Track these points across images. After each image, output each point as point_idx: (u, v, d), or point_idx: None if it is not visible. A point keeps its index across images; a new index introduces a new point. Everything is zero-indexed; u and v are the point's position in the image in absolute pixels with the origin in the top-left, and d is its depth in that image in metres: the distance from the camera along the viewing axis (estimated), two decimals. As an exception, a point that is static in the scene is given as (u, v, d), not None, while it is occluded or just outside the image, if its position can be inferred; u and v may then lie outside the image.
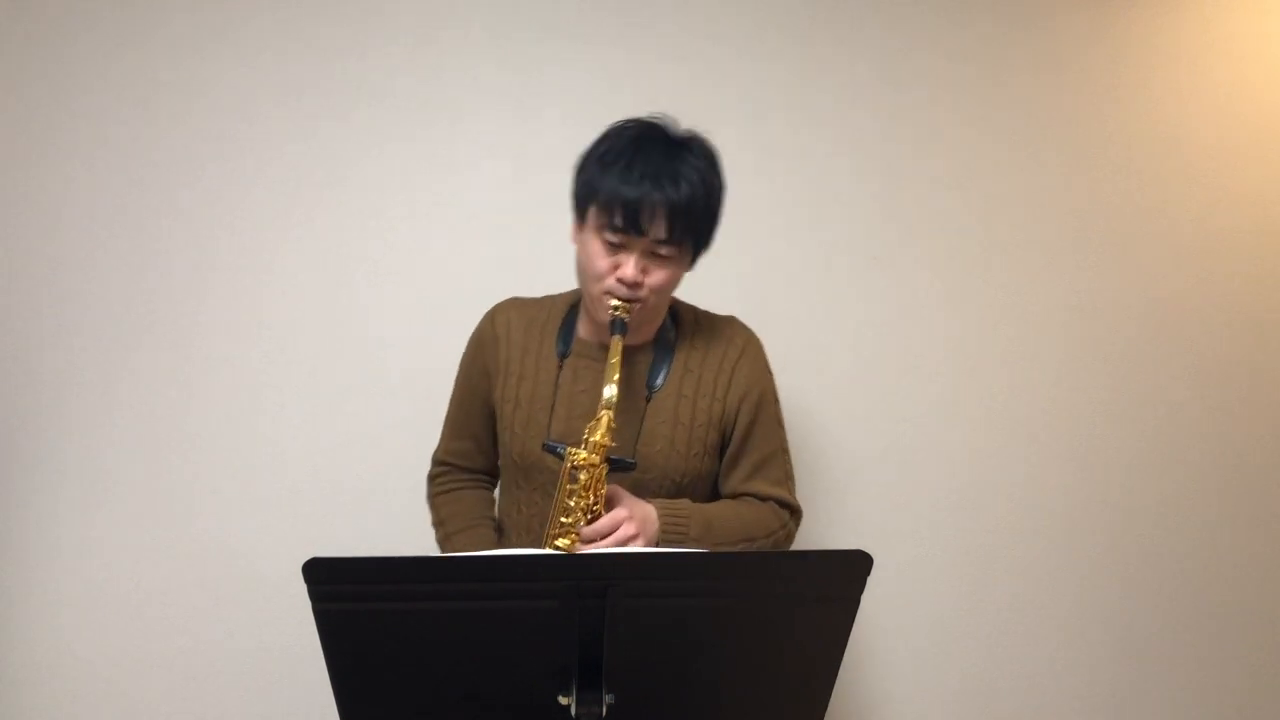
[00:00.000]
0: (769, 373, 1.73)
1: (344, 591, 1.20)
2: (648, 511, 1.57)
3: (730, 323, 1.75)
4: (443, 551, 1.76)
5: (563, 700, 1.24)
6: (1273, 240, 2.43)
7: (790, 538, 1.72)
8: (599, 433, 1.51)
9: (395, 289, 2.20)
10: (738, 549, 1.62)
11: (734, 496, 1.70)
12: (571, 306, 1.73)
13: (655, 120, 1.60)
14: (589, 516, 1.55)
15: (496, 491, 1.84)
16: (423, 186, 2.20)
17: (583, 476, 1.53)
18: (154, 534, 2.15)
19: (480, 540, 1.72)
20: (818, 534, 2.29)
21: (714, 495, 1.72)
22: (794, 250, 2.30)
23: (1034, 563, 2.38)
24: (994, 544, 2.37)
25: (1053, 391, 2.37)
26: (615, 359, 1.52)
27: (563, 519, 1.56)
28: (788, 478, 1.73)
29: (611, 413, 1.51)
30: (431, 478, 1.83)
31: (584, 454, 1.52)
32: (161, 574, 2.15)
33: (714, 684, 1.32)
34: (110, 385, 2.14)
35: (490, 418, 1.75)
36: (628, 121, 1.61)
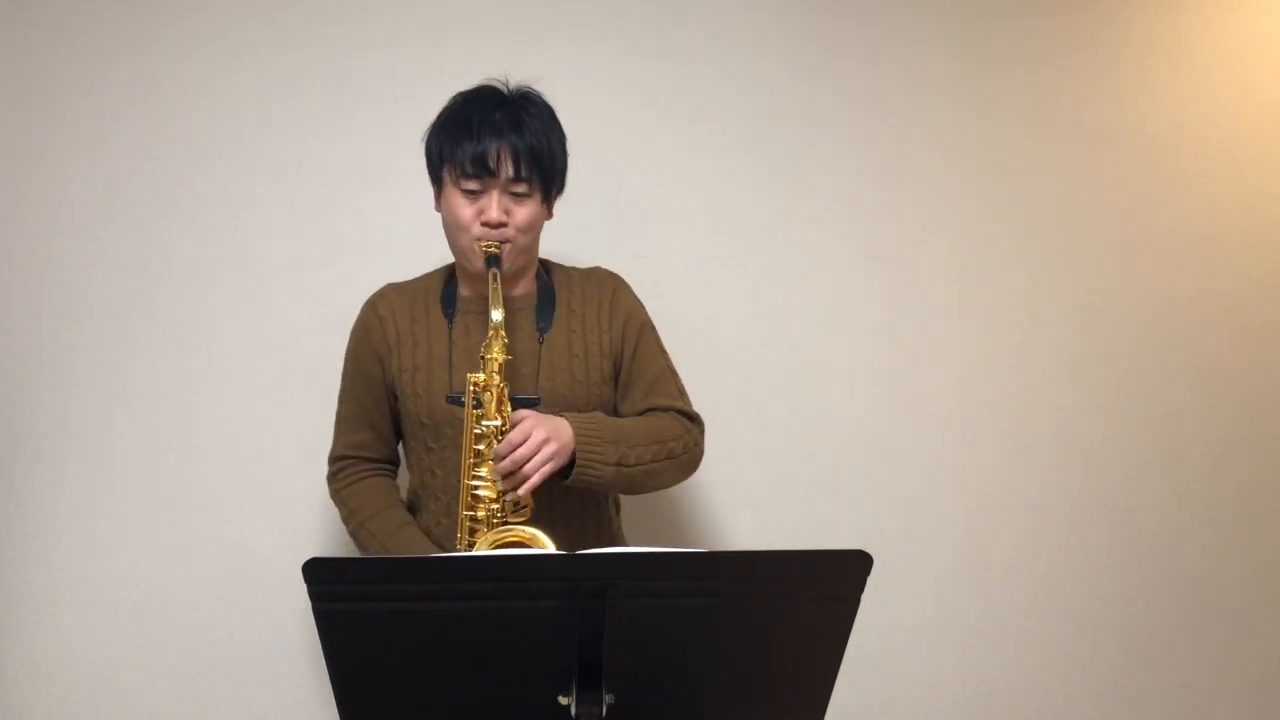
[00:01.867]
0: (641, 306, 1.84)
1: (344, 591, 1.20)
2: (558, 422, 1.62)
3: (598, 269, 1.86)
4: (357, 540, 1.79)
5: (563, 700, 1.24)
6: (1275, 241, 2.43)
7: (699, 445, 1.79)
8: (493, 350, 1.60)
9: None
10: (652, 450, 1.69)
11: (634, 413, 1.78)
12: (447, 278, 1.81)
13: (487, 83, 1.74)
14: (499, 439, 1.59)
15: (403, 473, 1.86)
16: (424, 188, 2.20)
17: (486, 397, 1.60)
18: (154, 534, 2.15)
19: (394, 521, 1.76)
20: (818, 534, 2.29)
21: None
22: (794, 250, 2.30)
23: (1035, 563, 2.38)
24: (994, 544, 2.37)
25: (1053, 392, 2.37)
26: (495, 285, 1.61)
27: (476, 447, 1.62)
28: (681, 392, 1.81)
29: (502, 333, 1.60)
30: (331, 475, 1.85)
31: (482, 376, 1.61)
32: (162, 574, 2.15)
33: (714, 684, 1.32)
34: (111, 385, 2.14)
35: (386, 402, 1.79)
36: (460, 92, 1.74)
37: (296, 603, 1.22)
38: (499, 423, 1.60)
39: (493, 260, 1.65)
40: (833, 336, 2.31)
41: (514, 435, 1.57)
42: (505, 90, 1.73)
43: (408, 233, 2.20)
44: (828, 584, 1.28)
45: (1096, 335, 2.38)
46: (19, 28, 2.11)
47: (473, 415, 1.62)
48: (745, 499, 2.27)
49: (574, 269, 1.85)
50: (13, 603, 2.13)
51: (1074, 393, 2.38)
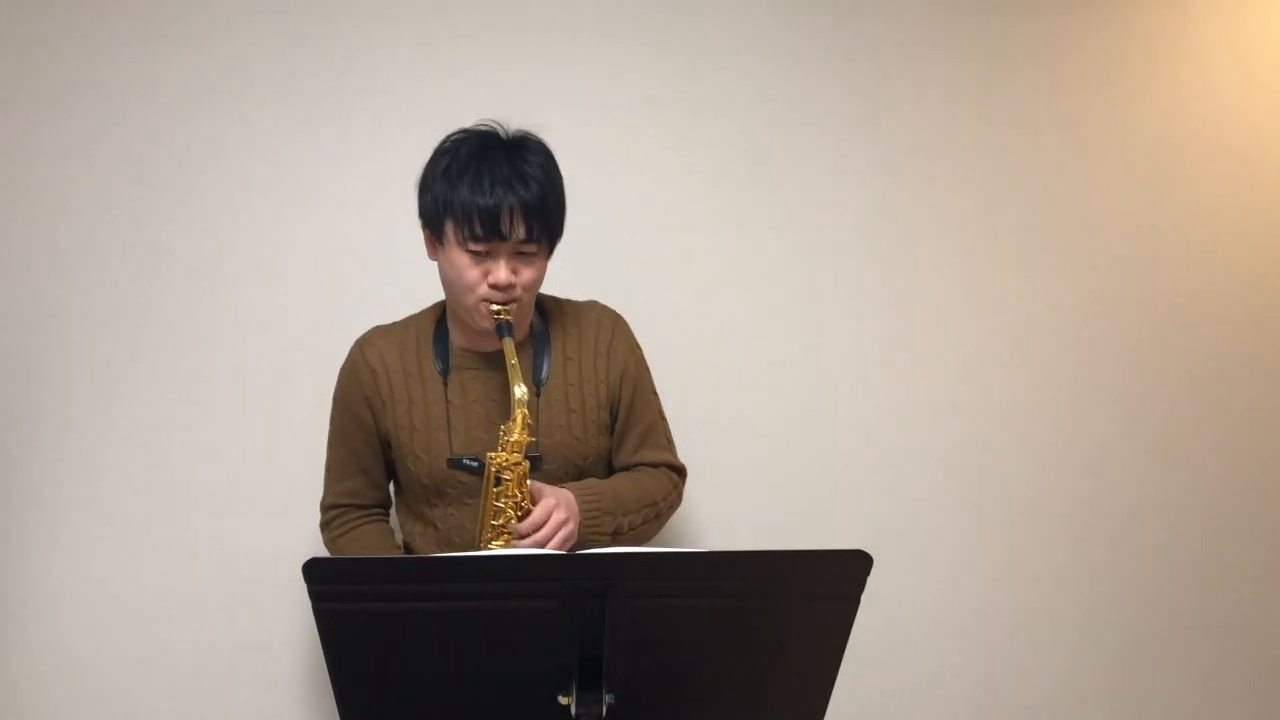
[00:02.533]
0: (638, 346, 1.81)
1: (344, 591, 1.20)
2: (569, 497, 1.62)
3: (593, 306, 1.81)
4: None
5: (563, 700, 1.24)
6: (1275, 239, 2.43)
7: (680, 496, 1.82)
8: (515, 432, 1.57)
9: (397, 290, 2.19)
10: (643, 514, 1.72)
11: (627, 467, 1.78)
12: (437, 322, 1.76)
13: (486, 127, 1.66)
14: (520, 514, 1.58)
15: (399, 536, 1.84)
16: (416, 185, 2.20)
17: (506, 477, 1.58)
18: (154, 534, 2.15)
19: None
20: (818, 534, 2.29)
21: (608, 469, 1.79)
22: (793, 250, 2.30)
23: (1035, 563, 2.38)
24: (994, 544, 2.37)
25: (1054, 391, 2.38)
26: (513, 360, 1.57)
27: (493, 522, 1.60)
28: (669, 441, 1.82)
29: (525, 410, 1.56)
30: (325, 524, 1.80)
31: (504, 455, 1.57)
32: (162, 574, 2.15)
33: (714, 684, 1.32)
34: (111, 385, 2.14)
35: (378, 448, 1.75)
36: (460, 133, 1.66)
37: (296, 603, 1.22)
38: (519, 498, 1.58)
39: (505, 329, 1.59)
40: (833, 336, 2.31)
41: (537, 516, 1.55)
42: (504, 135, 1.65)
43: (408, 234, 2.19)
44: (828, 584, 1.28)
45: (1097, 334, 2.38)
46: (20, 28, 2.11)
47: (491, 493, 1.59)
48: (745, 499, 2.27)
49: (569, 305, 1.80)
50: (13, 603, 2.13)
51: (1075, 392, 2.38)
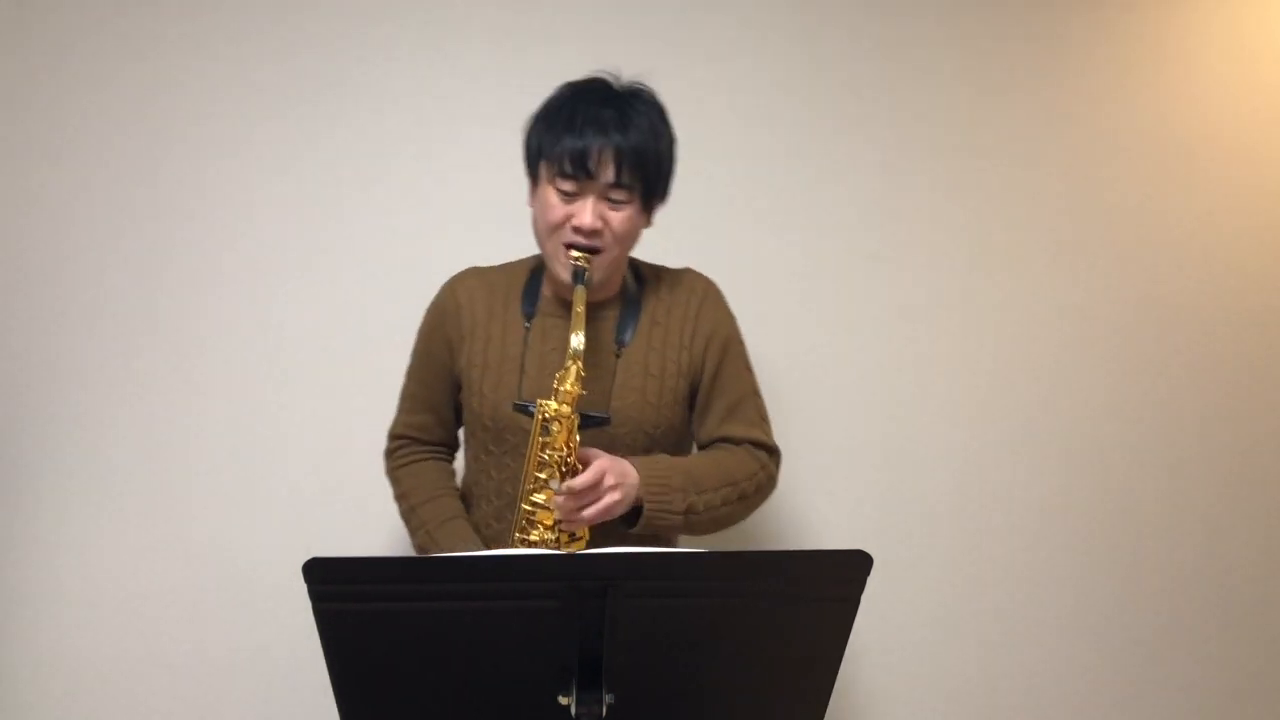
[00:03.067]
0: (732, 317, 1.74)
1: (344, 591, 1.20)
2: (626, 468, 1.56)
3: (689, 272, 1.76)
4: (407, 522, 1.76)
5: (563, 700, 1.24)
6: (1276, 239, 2.43)
7: (772, 479, 1.73)
8: (568, 382, 1.51)
9: (396, 291, 2.20)
10: (722, 494, 1.63)
11: (709, 443, 1.71)
12: (533, 271, 1.73)
13: (597, 75, 1.63)
14: (563, 470, 1.54)
15: (459, 463, 1.83)
16: (424, 191, 2.21)
17: (554, 428, 1.52)
18: (155, 534, 2.15)
19: (445, 510, 1.72)
20: (818, 534, 2.29)
21: (684, 445, 1.73)
22: (793, 249, 2.30)
23: (1034, 562, 2.38)
24: (993, 544, 2.37)
25: (1053, 391, 2.38)
26: (580, 308, 1.52)
27: (537, 473, 1.56)
28: (762, 419, 1.73)
29: (580, 362, 1.50)
30: (389, 452, 1.81)
31: (554, 405, 1.51)
32: (162, 574, 2.15)
33: (714, 684, 1.32)
34: (111, 386, 2.14)
35: (451, 389, 1.74)
36: (569, 82, 1.64)
37: (296, 603, 1.22)
38: (565, 452, 1.53)
39: (579, 275, 1.55)
40: (834, 335, 2.31)
41: (587, 478, 1.50)
42: (615, 84, 1.62)
43: (408, 236, 2.20)
44: (828, 584, 1.28)
45: (1099, 334, 2.38)
46: (23, 30, 2.11)
47: (538, 442, 1.54)
48: (745, 499, 2.27)
49: (664, 271, 1.75)
50: (13, 603, 2.13)
51: (1076, 392, 2.38)
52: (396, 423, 1.81)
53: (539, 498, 1.56)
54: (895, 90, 2.31)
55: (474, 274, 1.76)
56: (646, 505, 1.56)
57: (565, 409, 1.51)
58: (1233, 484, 2.43)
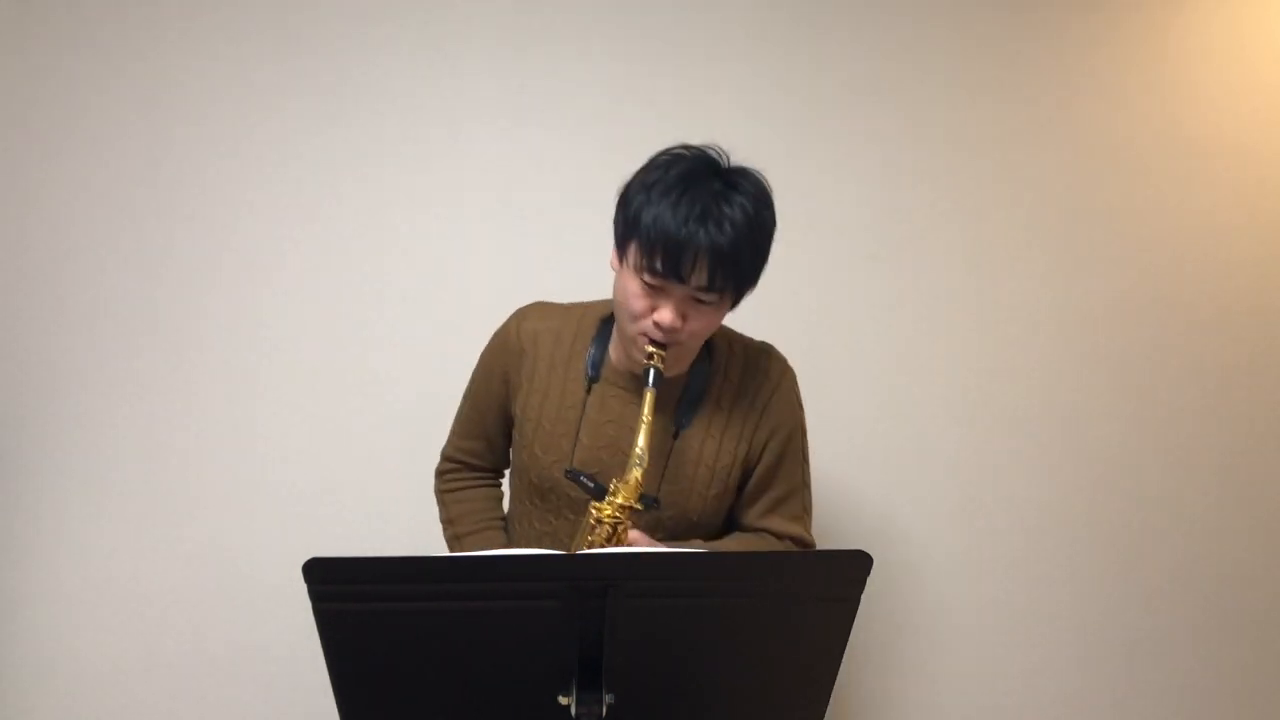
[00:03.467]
0: (800, 408, 1.68)
1: (344, 591, 1.20)
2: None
3: (766, 354, 1.68)
4: (450, 548, 1.75)
5: (563, 700, 1.24)
6: (1275, 239, 2.43)
7: None
8: (624, 493, 1.48)
9: (395, 292, 2.20)
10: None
11: (749, 529, 1.67)
12: (603, 321, 1.65)
13: (707, 151, 1.51)
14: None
15: (505, 486, 1.83)
16: (423, 191, 2.21)
17: (603, 531, 1.51)
18: (155, 534, 2.15)
19: (490, 544, 1.71)
20: (818, 534, 2.29)
21: (726, 524, 1.69)
22: (793, 249, 2.29)
23: (1034, 562, 2.38)
24: (993, 544, 2.37)
25: (1056, 391, 2.37)
26: (648, 418, 1.46)
27: (590, 538, 1.54)
28: (805, 512, 1.68)
29: (641, 471, 1.47)
30: (440, 473, 1.80)
31: (609, 510, 1.50)
32: (162, 574, 2.15)
33: (714, 684, 1.32)
34: (111, 386, 2.14)
35: (505, 422, 1.71)
36: (677, 151, 1.51)
37: (296, 603, 1.22)
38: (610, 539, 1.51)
39: (654, 378, 1.48)
40: (835, 335, 2.31)
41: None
42: (722, 163, 1.50)
43: (408, 236, 2.20)
44: (828, 584, 1.28)
45: (1099, 334, 2.38)
46: (25, 30, 2.11)
47: (587, 539, 1.53)
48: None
49: (739, 342, 1.66)
50: (13, 603, 2.13)
51: (1077, 392, 2.38)
52: (449, 443, 1.79)
53: None
54: (895, 90, 2.31)
55: (539, 312, 1.68)
56: None
57: (621, 515, 1.50)
58: (1233, 483, 2.43)
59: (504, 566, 1.26)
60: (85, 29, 2.12)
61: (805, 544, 1.67)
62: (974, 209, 2.34)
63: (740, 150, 2.28)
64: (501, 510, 1.80)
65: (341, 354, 2.19)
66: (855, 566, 1.25)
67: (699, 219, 1.42)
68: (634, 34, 2.24)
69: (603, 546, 1.52)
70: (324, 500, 2.18)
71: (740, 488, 1.65)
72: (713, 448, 1.60)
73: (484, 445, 1.76)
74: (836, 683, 1.32)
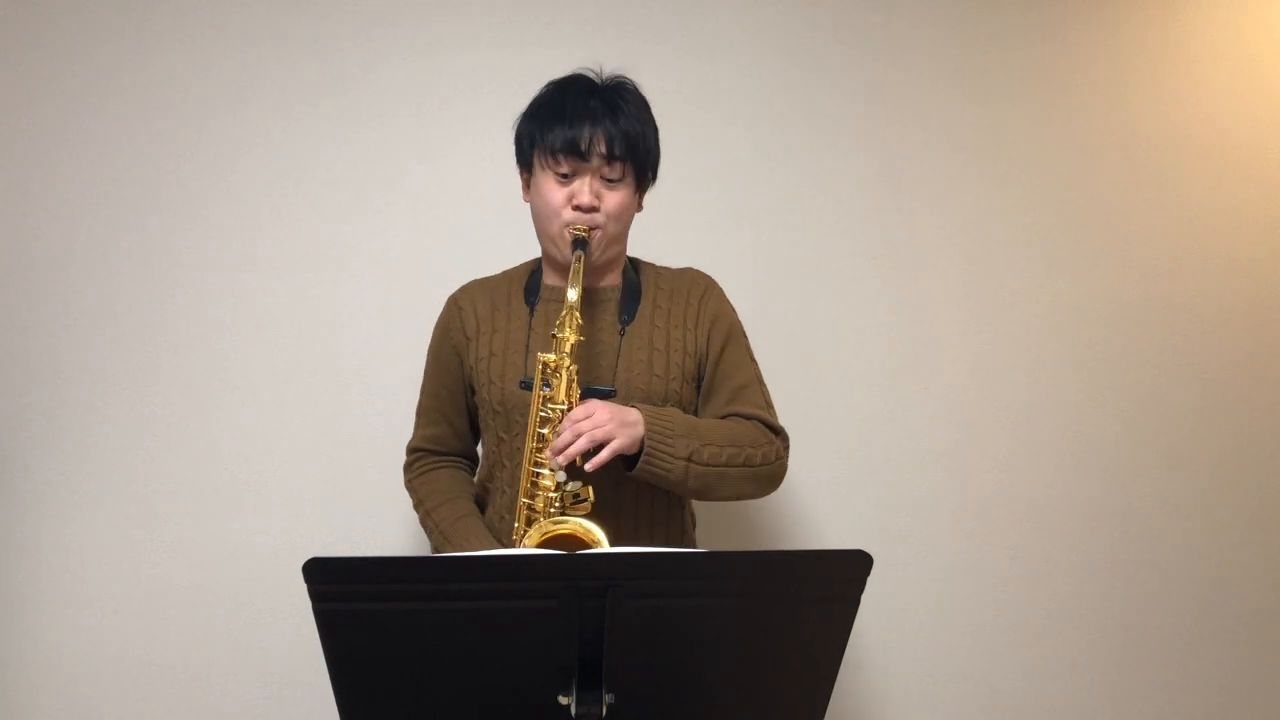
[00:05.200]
0: (733, 309, 1.78)
1: (344, 591, 1.20)
2: (627, 411, 1.57)
3: (690, 269, 1.80)
4: (424, 527, 1.77)
5: (563, 700, 1.24)
6: (1275, 239, 2.43)
7: (781, 459, 1.71)
8: (566, 329, 1.56)
9: (396, 292, 2.20)
10: (728, 452, 1.62)
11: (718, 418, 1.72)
12: (533, 271, 1.78)
13: (579, 71, 1.70)
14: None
15: (477, 475, 1.83)
16: (423, 192, 2.21)
17: (555, 380, 1.56)
18: (155, 534, 2.15)
19: (457, 510, 1.73)
20: (818, 534, 2.29)
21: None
22: (794, 249, 2.30)
23: (1034, 562, 2.38)
24: (994, 544, 2.37)
25: (1056, 392, 2.38)
26: (577, 266, 1.58)
27: (540, 430, 1.58)
28: (768, 404, 1.74)
29: (577, 313, 1.56)
30: (407, 466, 1.84)
31: (552, 356, 1.57)
32: (162, 574, 2.15)
33: (714, 684, 1.32)
34: (111, 386, 2.14)
35: (465, 397, 1.77)
36: (552, 80, 1.71)
37: (296, 603, 1.22)
38: (566, 406, 1.55)
39: (580, 244, 1.61)
40: (835, 335, 2.31)
41: (575, 412, 1.54)
42: (598, 79, 1.70)
43: (410, 238, 2.20)
44: (828, 584, 1.28)
45: (1098, 334, 2.38)
46: (32, 35, 2.11)
47: (540, 397, 1.58)
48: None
49: (664, 268, 1.81)
50: (13, 603, 2.13)
51: (1077, 393, 2.38)
52: (413, 437, 1.84)
53: (542, 456, 1.57)
54: (895, 91, 2.31)
55: (474, 283, 1.81)
56: (647, 444, 1.56)
57: (565, 359, 1.56)
58: (1231, 483, 2.43)
59: (504, 566, 1.26)
60: (88, 32, 2.13)
61: (774, 426, 1.71)
62: (973, 209, 2.35)
63: (741, 150, 2.30)
64: (469, 487, 1.81)
65: (342, 354, 2.19)
66: (855, 566, 1.25)
67: (588, 110, 1.62)
68: (634, 34, 2.24)
69: (561, 411, 1.55)
70: (324, 500, 2.18)
71: (697, 385, 1.73)
72: (661, 336, 1.71)
73: (447, 430, 1.80)
74: (836, 683, 1.32)
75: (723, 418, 1.70)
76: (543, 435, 1.58)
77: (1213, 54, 2.40)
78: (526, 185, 1.72)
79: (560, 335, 1.56)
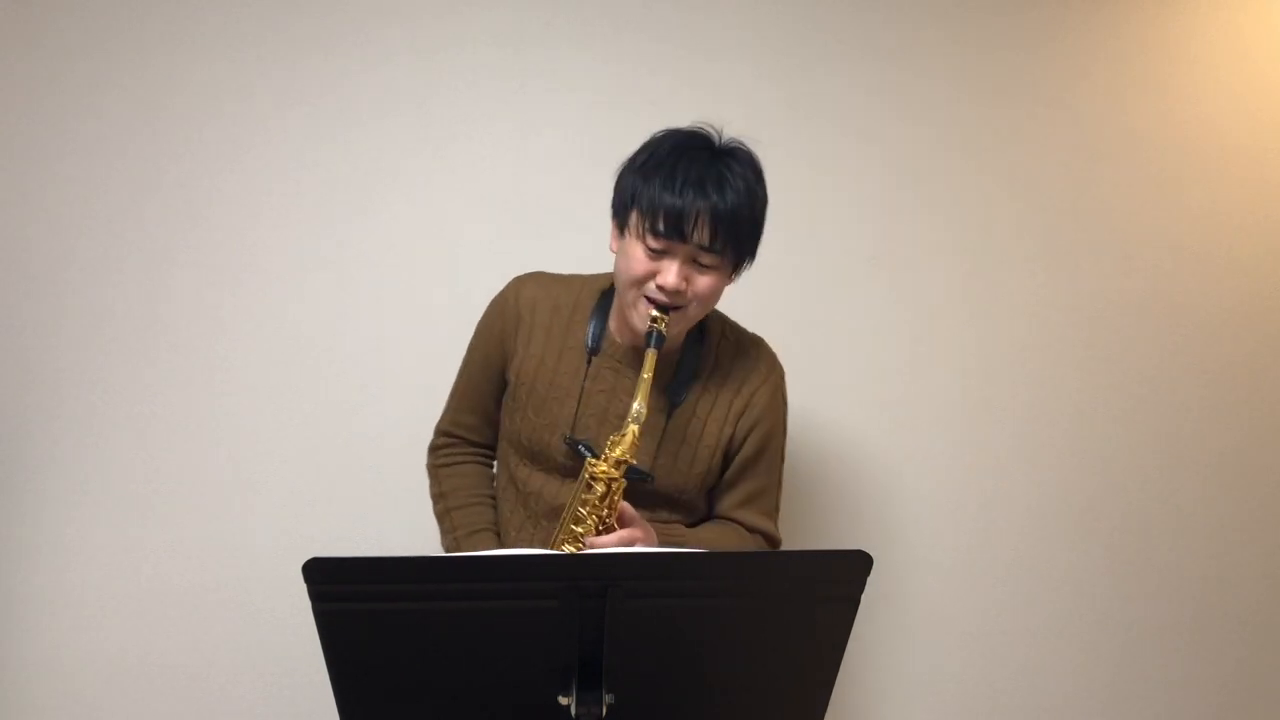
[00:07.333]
0: (785, 405, 1.73)
1: (344, 591, 1.20)
2: (653, 536, 1.59)
3: (758, 346, 1.73)
4: (440, 522, 1.76)
5: (563, 700, 1.24)
6: (1275, 239, 2.43)
7: None
8: (621, 448, 1.51)
9: (396, 292, 2.20)
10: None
11: (722, 517, 1.72)
12: (602, 294, 1.69)
13: (699, 129, 1.58)
14: (601, 528, 1.55)
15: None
16: (423, 192, 2.21)
17: (599, 488, 1.53)
18: (154, 534, 2.15)
19: (478, 520, 1.72)
20: (818, 534, 2.29)
21: (704, 504, 1.73)
22: (794, 249, 2.30)
23: (1036, 564, 2.38)
24: (993, 543, 2.37)
25: (1057, 392, 2.37)
26: (648, 375, 1.50)
27: (574, 526, 1.57)
28: (775, 510, 1.74)
29: (638, 428, 1.49)
30: (434, 448, 1.81)
31: (604, 467, 1.52)
32: (161, 574, 2.15)
33: (714, 684, 1.32)
34: (111, 387, 2.14)
35: (500, 392, 1.73)
36: (670, 131, 1.58)
37: (296, 603, 1.22)
38: (605, 513, 1.54)
39: (656, 339, 1.52)
40: (835, 335, 2.31)
41: (616, 538, 1.52)
42: (715, 141, 1.57)
43: (409, 238, 2.20)
44: (828, 584, 1.28)
45: (1098, 334, 2.38)
46: (25, 33, 2.11)
47: (581, 498, 1.55)
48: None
49: (733, 329, 1.73)
50: (13, 603, 2.13)
51: (1078, 393, 2.38)
52: (444, 418, 1.80)
53: (568, 549, 1.56)
54: (895, 91, 2.31)
55: (537, 281, 1.72)
56: None
57: (615, 472, 1.52)
58: (1232, 483, 2.43)
59: (504, 566, 1.26)
60: (88, 32, 2.12)
61: (774, 540, 1.72)
62: (974, 209, 2.34)
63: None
64: (491, 487, 1.80)
65: (342, 355, 2.19)
66: (855, 566, 1.25)
67: (698, 184, 1.49)
68: (634, 34, 2.24)
69: (596, 507, 1.54)
70: (324, 500, 2.18)
71: (721, 472, 1.69)
72: (697, 427, 1.65)
73: (480, 419, 1.77)
74: (836, 683, 1.32)
75: (730, 519, 1.70)
76: (574, 530, 1.57)
77: (1213, 54, 2.40)
78: (616, 233, 1.60)
79: (614, 454, 1.51)
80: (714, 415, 1.65)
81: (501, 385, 1.73)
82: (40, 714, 2.13)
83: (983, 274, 2.35)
